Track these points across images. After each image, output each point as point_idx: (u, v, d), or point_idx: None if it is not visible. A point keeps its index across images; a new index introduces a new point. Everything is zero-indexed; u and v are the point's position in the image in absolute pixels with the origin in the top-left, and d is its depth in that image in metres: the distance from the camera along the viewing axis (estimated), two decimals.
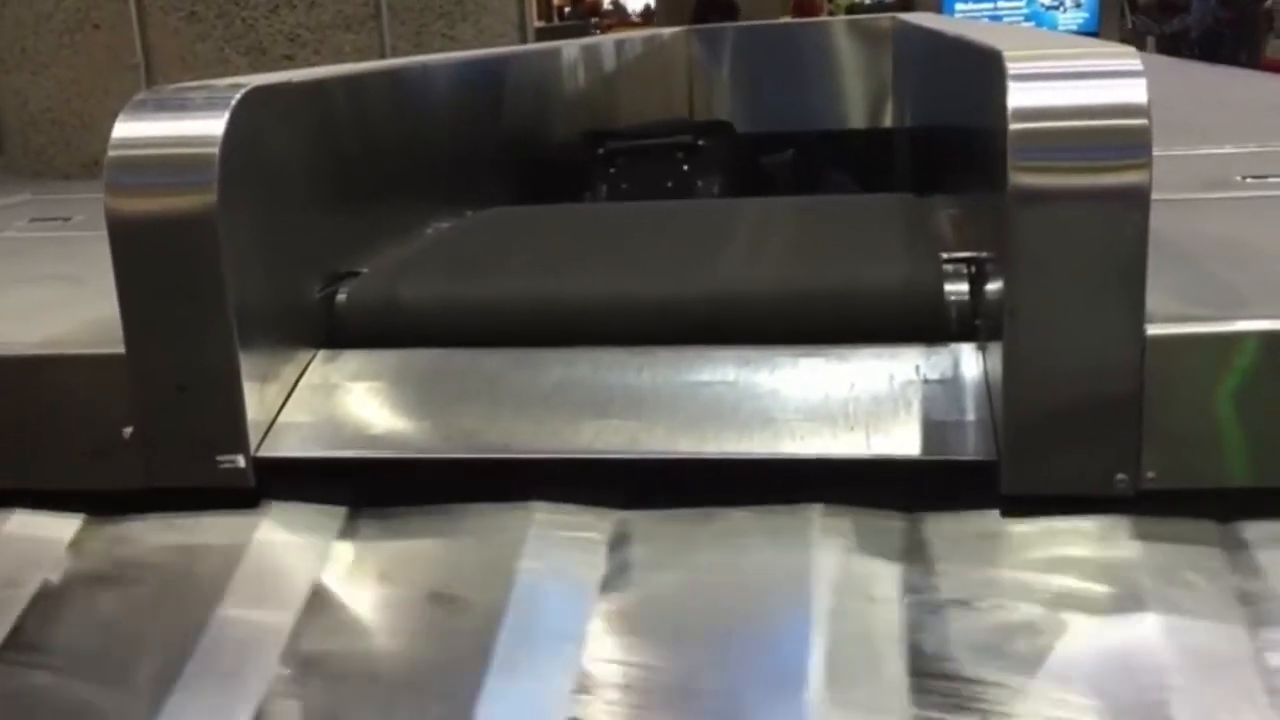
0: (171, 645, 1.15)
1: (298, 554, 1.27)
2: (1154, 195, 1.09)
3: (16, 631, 1.19)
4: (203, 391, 1.27)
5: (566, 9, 16.48)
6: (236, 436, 1.28)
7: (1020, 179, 1.11)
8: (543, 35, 5.55)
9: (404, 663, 1.13)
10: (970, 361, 1.29)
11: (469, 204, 2.06)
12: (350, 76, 1.76)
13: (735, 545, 1.20)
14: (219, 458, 1.28)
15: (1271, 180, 1.91)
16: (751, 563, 1.19)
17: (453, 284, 1.55)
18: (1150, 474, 1.14)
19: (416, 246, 1.75)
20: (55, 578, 1.25)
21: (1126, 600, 1.08)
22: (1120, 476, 1.14)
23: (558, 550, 1.23)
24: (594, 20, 14.14)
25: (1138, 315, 1.12)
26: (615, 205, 2.05)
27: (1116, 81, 1.13)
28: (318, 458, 1.31)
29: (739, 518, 1.23)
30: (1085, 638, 1.05)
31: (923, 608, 1.10)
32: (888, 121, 4.26)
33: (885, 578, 1.14)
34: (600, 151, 2.71)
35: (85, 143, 3.03)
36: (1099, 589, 1.10)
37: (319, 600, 1.20)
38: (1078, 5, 11.45)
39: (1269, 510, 1.15)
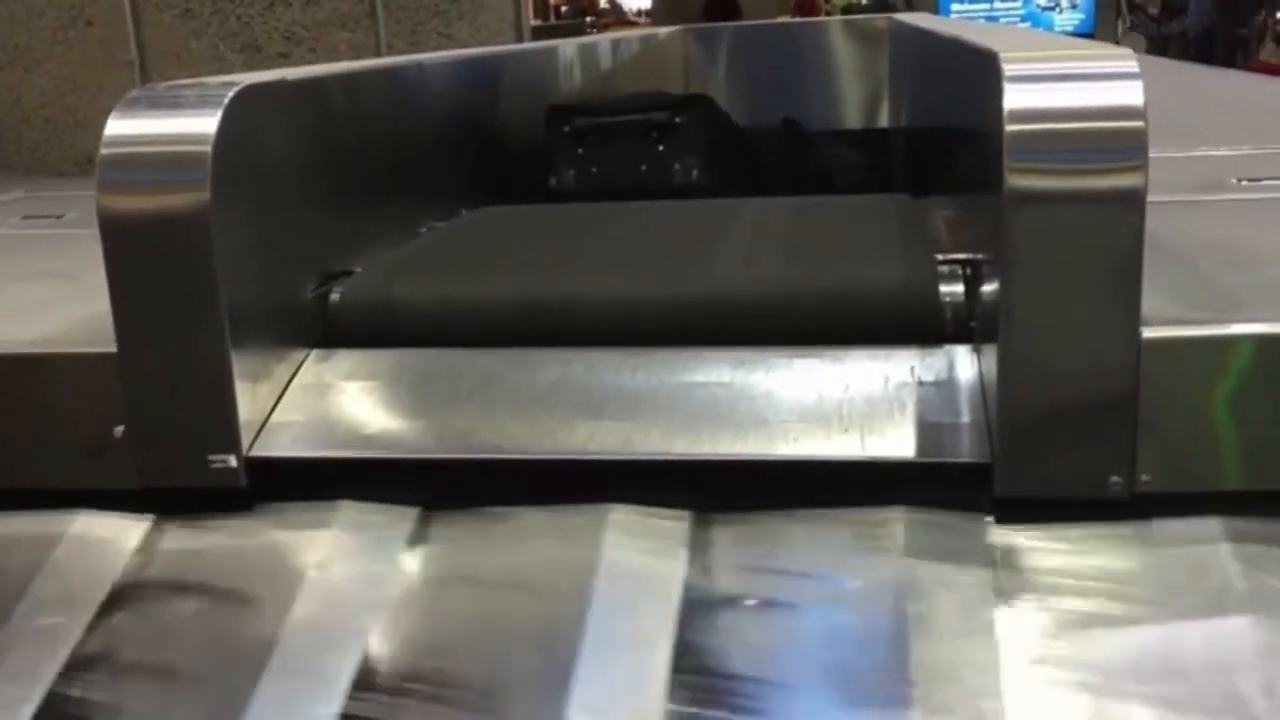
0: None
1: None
2: (1150, 197, 1.09)
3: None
4: (195, 391, 1.27)
5: (563, 8, 16.47)
6: (229, 436, 1.27)
7: (1016, 181, 1.11)
8: (538, 34, 5.55)
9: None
10: (965, 363, 1.29)
11: (463, 203, 2.05)
12: (345, 75, 1.75)
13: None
14: (211, 457, 1.28)
15: (1267, 182, 1.91)
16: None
17: (447, 283, 1.55)
18: (1145, 477, 1.14)
19: (410, 245, 1.75)
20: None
21: None
22: (1115, 479, 1.14)
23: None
24: (589, 19, 14.14)
25: (1133, 318, 1.12)
26: (611, 205, 2.00)
27: (1112, 84, 1.13)
28: (310, 458, 1.31)
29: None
30: None
31: None
32: (883, 122, 4.26)
33: None
34: (567, 129, 2.40)
35: (79, 140, 3.02)
36: None
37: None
38: (1074, 6, 11.47)
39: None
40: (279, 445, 1.31)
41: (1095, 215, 1.10)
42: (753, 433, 1.25)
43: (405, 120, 1.90)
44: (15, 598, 1.22)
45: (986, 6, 11.40)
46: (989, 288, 1.22)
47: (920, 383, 1.27)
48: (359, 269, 1.55)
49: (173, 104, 1.29)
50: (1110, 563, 1.13)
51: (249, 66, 2.94)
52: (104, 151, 1.26)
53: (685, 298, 1.45)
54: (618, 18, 15.03)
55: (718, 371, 1.32)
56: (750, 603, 1.14)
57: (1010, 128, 1.11)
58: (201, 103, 1.27)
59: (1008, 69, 1.14)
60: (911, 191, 2.03)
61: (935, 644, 1.05)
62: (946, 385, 1.27)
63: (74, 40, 3.06)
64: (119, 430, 1.29)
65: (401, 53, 3.05)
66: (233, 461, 1.28)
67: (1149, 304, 1.12)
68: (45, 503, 1.32)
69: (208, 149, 1.23)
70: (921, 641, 1.06)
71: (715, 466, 1.25)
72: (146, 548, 1.27)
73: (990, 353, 1.19)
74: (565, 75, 3.00)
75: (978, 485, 1.19)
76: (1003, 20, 10.97)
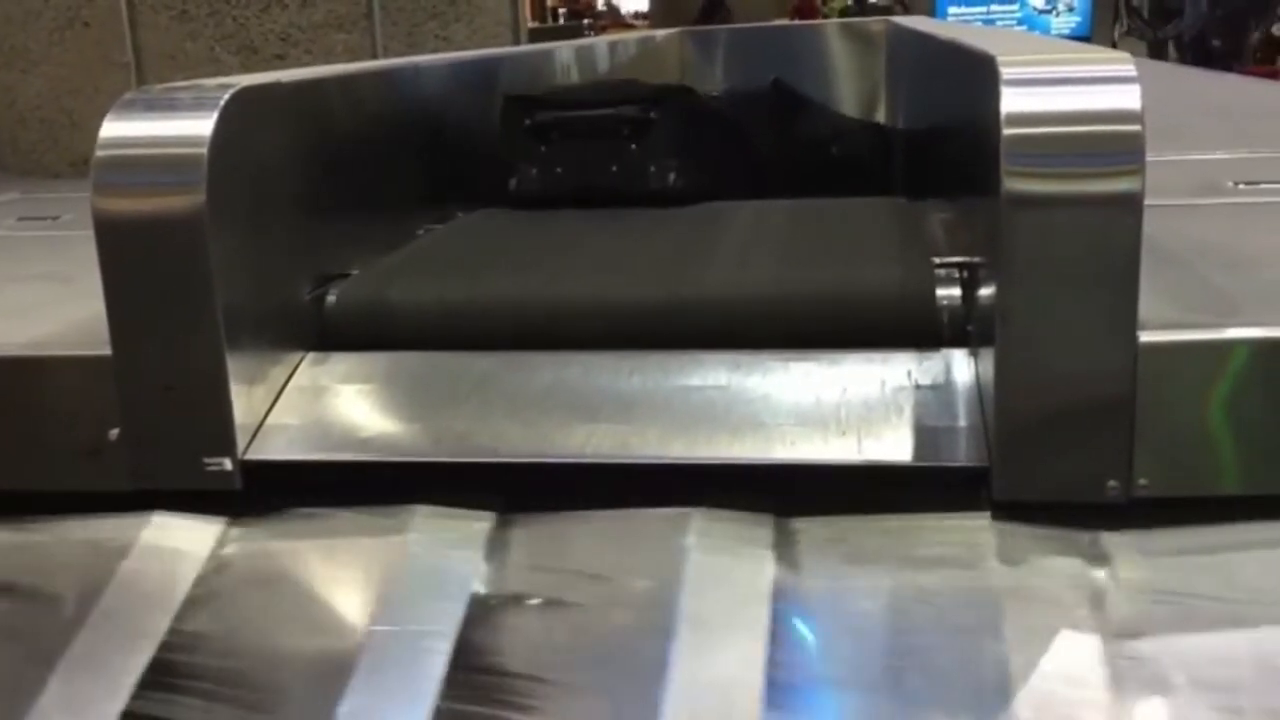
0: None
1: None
2: (1147, 201, 1.09)
3: None
4: (190, 393, 1.27)
5: (561, 10, 16.48)
6: (224, 439, 1.27)
7: (1013, 184, 1.10)
8: (536, 36, 5.55)
9: None
10: (962, 367, 1.29)
11: (460, 205, 2.05)
12: (341, 77, 1.75)
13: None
14: (206, 460, 1.27)
15: (1264, 186, 1.91)
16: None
17: (443, 286, 1.55)
18: (1142, 481, 1.14)
19: (407, 248, 1.75)
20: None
21: None
22: (1112, 483, 1.14)
23: None
24: (587, 22, 14.14)
25: (1130, 322, 1.11)
26: (607, 209, 1.99)
27: (1109, 87, 1.13)
28: (306, 460, 1.30)
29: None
30: None
31: None
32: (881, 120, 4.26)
33: None
34: (528, 123, 2.08)
35: (75, 141, 3.01)
36: None
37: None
38: (1070, 9, 11.48)
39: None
40: (275, 448, 1.30)
41: (1092, 219, 1.10)
42: (749, 436, 1.25)
43: (402, 122, 1.89)
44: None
45: (983, 9, 11.41)
46: (986, 291, 1.22)
47: (917, 386, 1.27)
48: (355, 271, 1.55)
49: (168, 106, 1.29)
50: None
51: (245, 68, 2.94)
52: (99, 153, 1.25)
53: (682, 300, 1.44)
54: (614, 20, 15.03)
55: (714, 375, 1.32)
56: None
57: (1007, 131, 1.11)
58: (197, 105, 1.27)
59: (1005, 72, 1.14)
60: (908, 194, 2.03)
61: None
62: (943, 389, 1.27)
63: (70, 42, 3.06)
64: (114, 433, 1.29)
65: (398, 55, 3.05)
66: (228, 464, 1.27)
67: (1146, 308, 1.12)
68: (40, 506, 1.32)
69: (203, 151, 1.23)
70: None
71: (712, 470, 1.24)
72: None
73: (987, 356, 1.19)
74: (563, 77, 3.00)
75: (975, 489, 1.18)
76: (999, 23, 10.98)
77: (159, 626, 1.16)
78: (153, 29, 3.01)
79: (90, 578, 1.23)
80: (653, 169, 2.01)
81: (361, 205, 1.67)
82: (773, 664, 1.05)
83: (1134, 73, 1.13)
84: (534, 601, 1.17)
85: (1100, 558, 1.12)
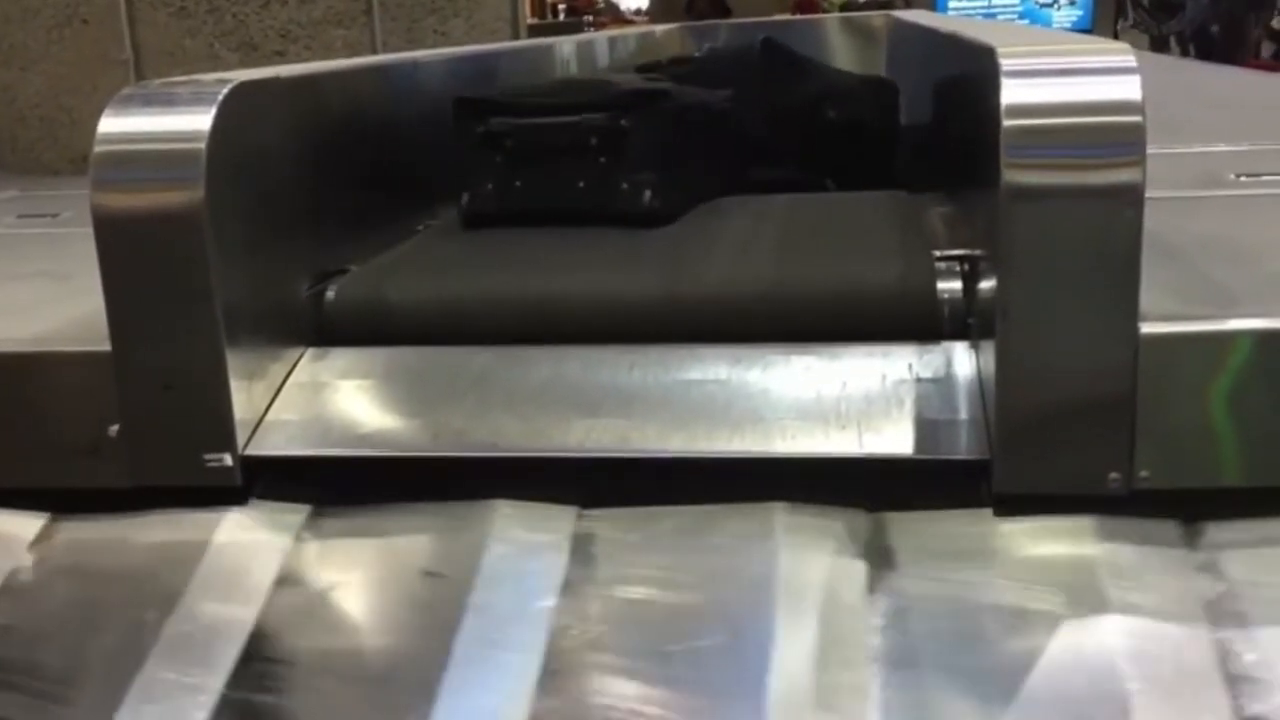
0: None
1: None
2: (1148, 193, 1.08)
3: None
4: (189, 390, 1.26)
5: (561, 6, 16.46)
6: (224, 435, 1.27)
7: (1013, 176, 1.10)
8: (535, 33, 5.54)
9: None
10: (963, 360, 1.29)
11: (460, 200, 2.04)
12: (340, 72, 1.75)
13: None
14: (206, 456, 1.27)
15: (1266, 178, 1.90)
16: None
17: (442, 282, 1.54)
18: (1144, 473, 1.14)
19: (406, 244, 1.74)
20: None
21: None
22: (1114, 475, 1.14)
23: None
24: (587, 18, 14.12)
25: (1131, 314, 1.11)
26: None
27: (1110, 78, 1.13)
28: (305, 456, 1.30)
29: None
30: None
31: None
32: None
33: None
34: (481, 131, 1.79)
35: (74, 138, 3.01)
36: None
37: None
38: (1072, 3, 11.46)
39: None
40: (274, 444, 1.30)
41: (1093, 211, 1.10)
42: (750, 430, 1.25)
43: (400, 118, 1.89)
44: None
45: (984, 3, 11.39)
46: (987, 284, 1.22)
47: (918, 380, 1.27)
48: (354, 267, 1.55)
49: (167, 101, 1.28)
50: None
51: (244, 64, 2.93)
52: (98, 149, 1.25)
53: (681, 295, 1.44)
54: (614, 17, 15.01)
55: (714, 369, 1.32)
56: None
57: (1008, 123, 1.11)
58: (195, 100, 1.26)
59: (1005, 64, 1.14)
60: (909, 187, 2.03)
61: None
62: (944, 382, 1.27)
63: (69, 39, 3.05)
64: (114, 429, 1.28)
65: (397, 50, 3.04)
66: (228, 460, 1.27)
67: (1147, 300, 1.11)
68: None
69: (202, 146, 1.22)
70: None
71: (713, 464, 1.24)
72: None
73: (988, 349, 1.19)
74: (562, 72, 3.00)
75: (976, 482, 1.18)
76: (1001, 17, 10.96)
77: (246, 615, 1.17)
78: (151, 26, 3.00)
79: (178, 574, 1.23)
80: (625, 186, 1.72)
81: (360, 201, 1.66)
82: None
83: (1134, 64, 1.12)
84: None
85: None
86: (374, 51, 3.07)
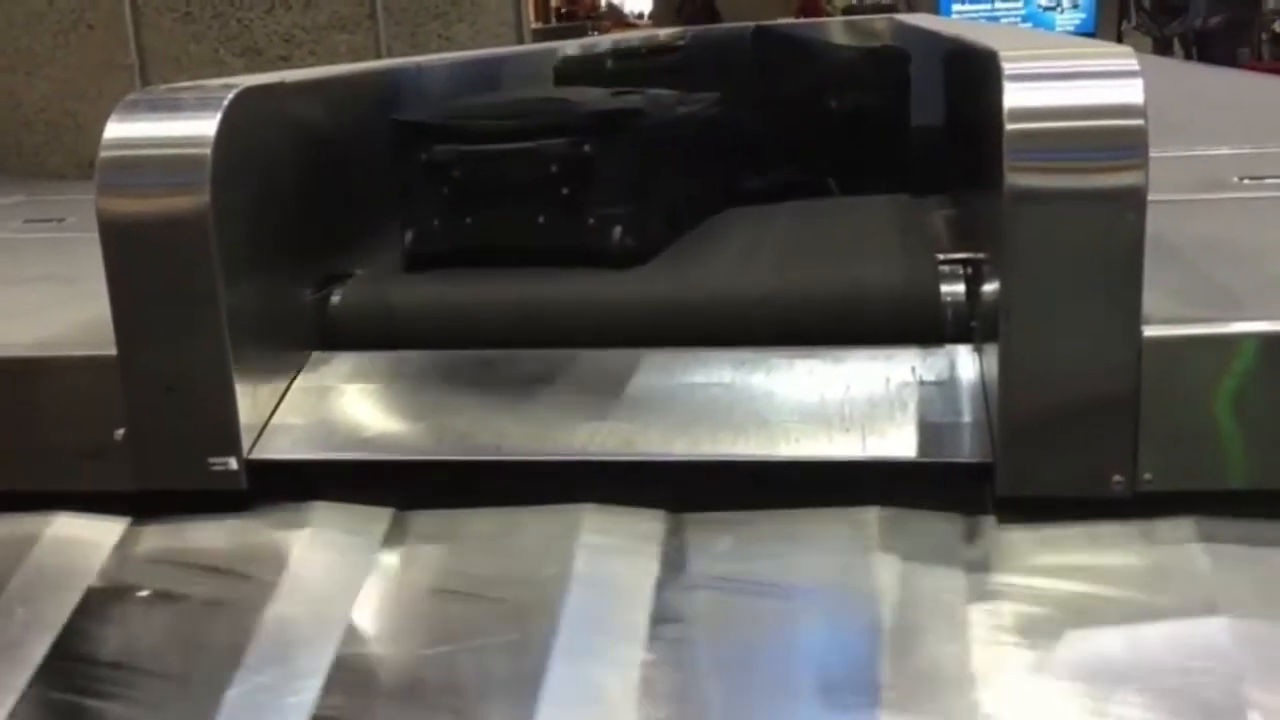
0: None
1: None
2: (1151, 196, 1.08)
3: None
4: (195, 393, 1.27)
5: (563, 9, 16.47)
6: (229, 439, 1.27)
7: (1016, 179, 1.10)
8: (539, 37, 5.55)
9: None
10: (966, 363, 1.29)
11: None
12: (344, 77, 1.75)
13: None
14: (211, 460, 1.28)
15: (1269, 181, 1.90)
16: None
17: (446, 286, 1.55)
18: (1147, 476, 1.14)
19: None
20: None
21: None
22: (1117, 478, 1.14)
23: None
24: (590, 21, 14.13)
25: (1134, 316, 1.11)
26: None
27: (1113, 82, 1.13)
28: (311, 460, 1.30)
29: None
30: None
31: None
32: None
33: None
34: (424, 158, 1.55)
35: (79, 143, 3.02)
36: None
37: None
38: (1075, 6, 11.46)
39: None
40: (279, 447, 1.30)
41: (1096, 214, 1.10)
42: (753, 433, 1.25)
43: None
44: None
45: (988, 6, 11.39)
46: (990, 287, 1.22)
47: (921, 382, 1.27)
48: (359, 271, 1.55)
49: (172, 106, 1.29)
50: None
51: (249, 70, 2.94)
52: (103, 154, 1.26)
53: (685, 298, 1.44)
54: (616, 20, 15.02)
55: (718, 372, 1.32)
56: None
57: (1010, 126, 1.11)
58: (201, 105, 1.27)
59: (1008, 67, 1.14)
60: (912, 191, 2.03)
61: None
62: (948, 385, 1.27)
63: (74, 44, 3.06)
64: (119, 433, 1.29)
65: (401, 55, 3.05)
66: (233, 464, 1.27)
67: (1150, 302, 1.11)
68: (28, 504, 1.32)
69: (207, 151, 1.23)
70: None
71: (716, 467, 1.24)
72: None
73: (991, 352, 1.19)
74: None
75: (979, 485, 1.18)
76: (1004, 20, 10.96)
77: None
78: (156, 31, 3.01)
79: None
80: (592, 222, 1.50)
81: (365, 205, 1.67)
82: None
83: (1137, 67, 1.12)
84: None
85: None
86: (378, 56, 3.08)
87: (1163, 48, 10.28)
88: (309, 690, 1.08)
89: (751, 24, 2.34)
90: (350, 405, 1.37)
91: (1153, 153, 1.09)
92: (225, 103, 1.26)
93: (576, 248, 1.51)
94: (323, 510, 1.29)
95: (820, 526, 1.20)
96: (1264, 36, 10.10)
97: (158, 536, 1.29)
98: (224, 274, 1.24)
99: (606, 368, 1.35)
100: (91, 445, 1.30)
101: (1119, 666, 1.02)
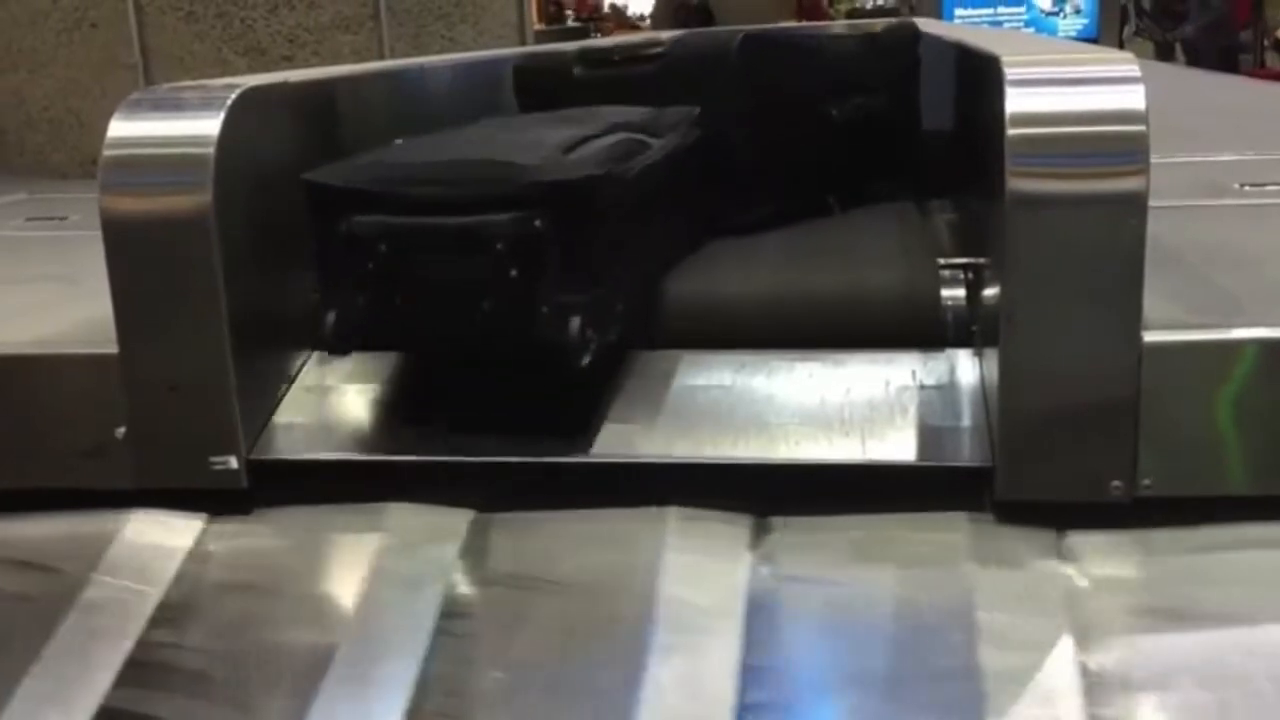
0: None
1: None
2: (1152, 202, 1.09)
3: None
4: (196, 392, 1.27)
5: (567, 11, 16.48)
6: (229, 438, 1.27)
7: (1018, 184, 1.11)
8: (542, 38, 5.55)
9: None
10: (967, 367, 1.29)
11: None
12: (347, 77, 1.75)
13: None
14: (212, 459, 1.28)
15: (1270, 188, 1.91)
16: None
17: None
18: (1146, 481, 1.14)
19: None
20: None
21: None
22: (1116, 483, 1.14)
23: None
24: (594, 23, 14.13)
25: (1135, 322, 1.11)
26: None
27: (1114, 88, 1.13)
28: (312, 460, 1.30)
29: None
30: None
31: None
32: None
33: None
34: (343, 230, 1.26)
35: (82, 142, 3.02)
36: None
37: None
38: (1078, 11, 11.45)
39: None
40: (280, 447, 1.31)
41: (1097, 219, 1.10)
42: (754, 436, 1.25)
43: (407, 123, 1.89)
44: None
45: (990, 11, 11.38)
46: (990, 292, 1.22)
47: (921, 386, 1.27)
48: None
49: (175, 106, 1.29)
50: None
51: (252, 70, 2.94)
52: (106, 153, 1.26)
53: (688, 301, 1.44)
54: (619, 22, 15.03)
55: (719, 375, 1.32)
56: None
57: (1012, 131, 1.11)
58: (204, 105, 1.27)
59: (1009, 73, 1.14)
60: (917, 196, 2.03)
61: None
62: (948, 389, 1.27)
63: (78, 43, 3.07)
64: (120, 431, 1.29)
65: (404, 56, 3.05)
66: (234, 463, 1.28)
67: (1150, 308, 1.12)
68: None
69: (210, 151, 1.23)
70: None
71: (715, 470, 1.24)
72: None
73: (992, 357, 1.19)
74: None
75: (979, 489, 1.18)
76: (1006, 25, 10.95)
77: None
78: (160, 30, 3.01)
79: None
80: (545, 310, 1.22)
81: None
82: None
83: (1138, 73, 1.13)
84: None
85: None
86: (381, 57, 3.08)
87: (1165, 53, 10.29)
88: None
89: (740, 29, 1.91)
90: (351, 405, 1.37)
91: (1154, 159, 1.09)
92: (228, 102, 1.27)
93: (526, 341, 1.24)
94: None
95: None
96: (1266, 43, 10.11)
97: None
98: (225, 273, 1.24)
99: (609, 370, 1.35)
100: (92, 443, 1.30)
101: None
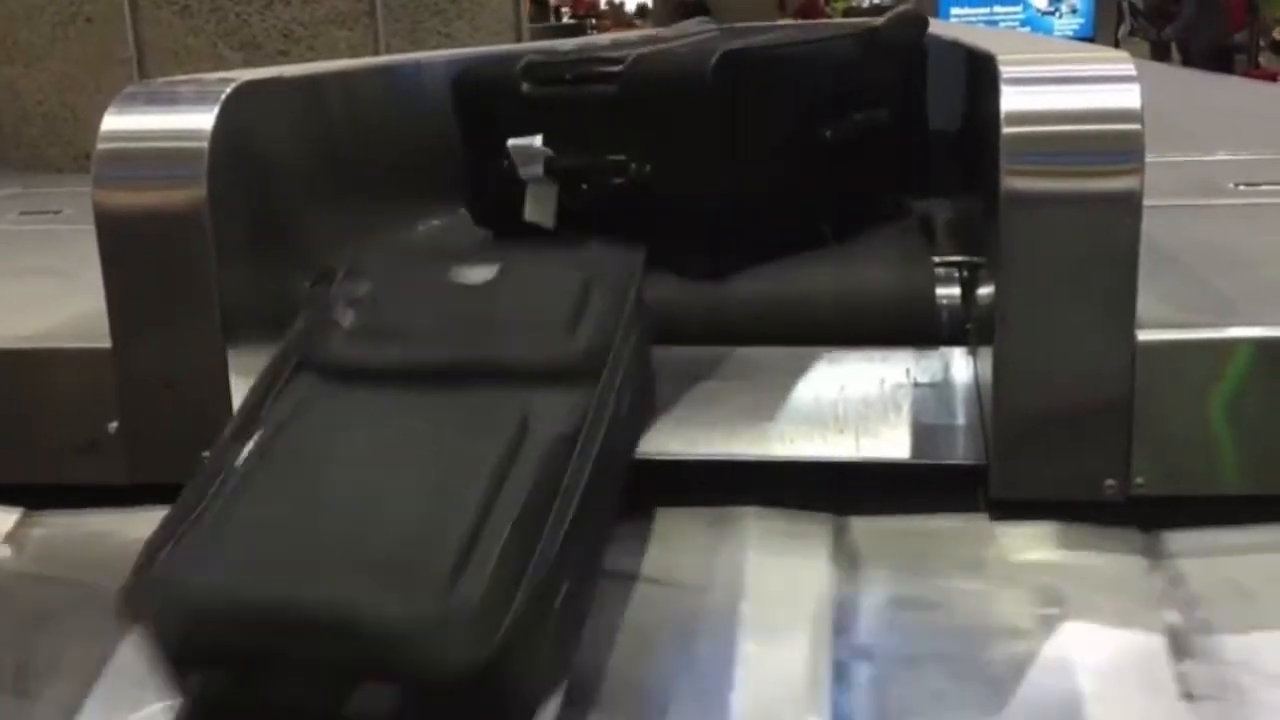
0: None
1: None
2: (1146, 201, 1.09)
3: None
4: (189, 388, 1.27)
5: (563, 9, 16.47)
6: None
7: (1012, 183, 1.11)
8: (539, 35, 5.55)
9: None
10: (961, 365, 1.29)
11: (460, 201, 2.04)
12: (342, 72, 1.75)
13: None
14: (205, 454, 1.27)
15: (1265, 187, 1.91)
16: None
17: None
18: (1140, 480, 1.14)
19: (407, 242, 1.75)
20: None
21: None
22: (1110, 482, 1.14)
23: None
24: (591, 21, 14.14)
25: (1129, 321, 1.12)
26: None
27: (1109, 86, 1.13)
28: None
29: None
30: None
31: None
32: None
33: None
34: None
35: (77, 136, 3.01)
36: None
37: None
38: (1074, 11, 11.48)
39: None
40: None
41: (1092, 218, 1.10)
42: (747, 433, 1.25)
43: (402, 118, 1.89)
44: None
45: (986, 10, 11.40)
46: (985, 290, 1.22)
47: (916, 384, 1.27)
48: None
49: (169, 100, 1.29)
50: None
51: (248, 64, 2.94)
52: (100, 147, 1.26)
53: (680, 298, 1.44)
54: (617, 19, 15.02)
55: (711, 371, 1.32)
56: None
57: (1007, 130, 1.11)
58: (198, 99, 1.27)
59: (1005, 71, 1.14)
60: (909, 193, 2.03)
61: None
62: (942, 387, 1.27)
63: (73, 37, 3.06)
64: (113, 426, 1.29)
65: (400, 51, 3.05)
66: None
67: (1145, 307, 1.12)
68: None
69: (204, 145, 1.23)
70: None
71: (710, 466, 1.24)
72: None
73: (986, 355, 1.19)
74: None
75: (973, 487, 1.19)
76: (1002, 24, 10.97)
77: None
78: (155, 25, 3.01)
79: None
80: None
81: (362, 199, 1.67)
82: None
83: (1133, 72, 1.13)
84: None
85: None
86: (377, 52, 3.07)
87: (1160, 52, 10.31)
88: None
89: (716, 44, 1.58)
90: None
91: (1149, 158, 1.09)
92: (223, 97, 1.26)
93: None
94: None
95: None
96: (1261, 44, 10.14)
97: None
98: (220, 268, 1.24)
99: None
100: (85, 438, 1.30)
101: None
